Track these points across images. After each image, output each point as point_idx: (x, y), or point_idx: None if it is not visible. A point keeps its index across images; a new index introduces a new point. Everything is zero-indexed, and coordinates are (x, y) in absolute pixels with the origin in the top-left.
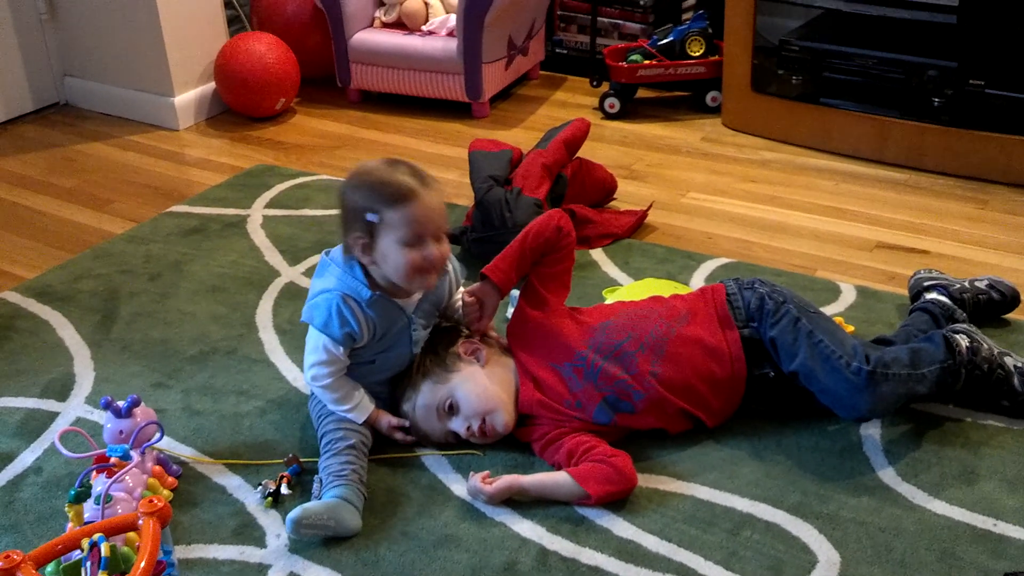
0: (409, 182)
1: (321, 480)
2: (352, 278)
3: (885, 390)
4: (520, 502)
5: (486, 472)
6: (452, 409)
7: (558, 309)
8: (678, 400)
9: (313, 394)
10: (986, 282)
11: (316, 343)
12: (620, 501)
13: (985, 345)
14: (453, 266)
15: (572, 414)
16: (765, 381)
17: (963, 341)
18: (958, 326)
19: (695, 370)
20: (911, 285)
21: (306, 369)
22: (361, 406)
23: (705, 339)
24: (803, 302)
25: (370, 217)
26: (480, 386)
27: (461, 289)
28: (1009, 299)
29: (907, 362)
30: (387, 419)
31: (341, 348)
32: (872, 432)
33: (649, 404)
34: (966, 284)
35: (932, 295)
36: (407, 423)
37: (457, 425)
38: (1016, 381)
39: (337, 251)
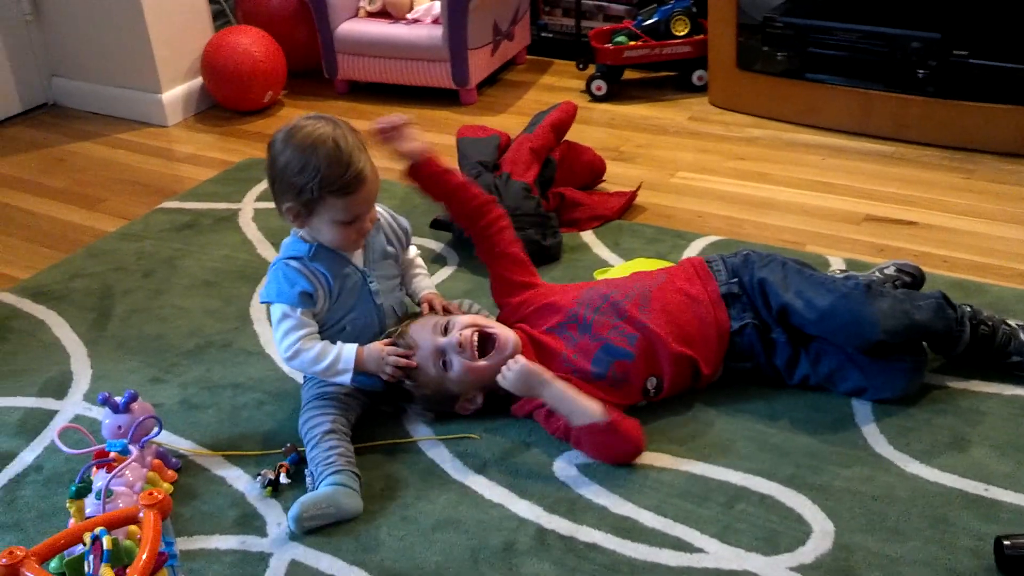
0: (359, 168)
1: (312, 473)
2: (290, 244)
3: (884, 305)
4: (518, 482)
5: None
6: (448, 328)
7: (538, 286)
8: (671, 340)
9: (304, 382)
10: (893, 267)
11: (276, 315)
12: (616, 479)
13: (983, 311)
14: (390, 216)
15: (571, 368)
16: (744, 336)
17: (964, 307)
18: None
19: (681, 312)
20: None
21: (279, 348)
22: (343, 352)
23: (686, 289)
24: (788, 257)
25: (311, 197)
26: (479, 317)
27: (413, 250)
28: (919, 279)
29: (903, 294)
30: (376, 349)
31: (299, 309)
32: (863, 402)
33: (644, 346)
34: (879, 274)
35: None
36: (399, 346)
37: (448, 341)
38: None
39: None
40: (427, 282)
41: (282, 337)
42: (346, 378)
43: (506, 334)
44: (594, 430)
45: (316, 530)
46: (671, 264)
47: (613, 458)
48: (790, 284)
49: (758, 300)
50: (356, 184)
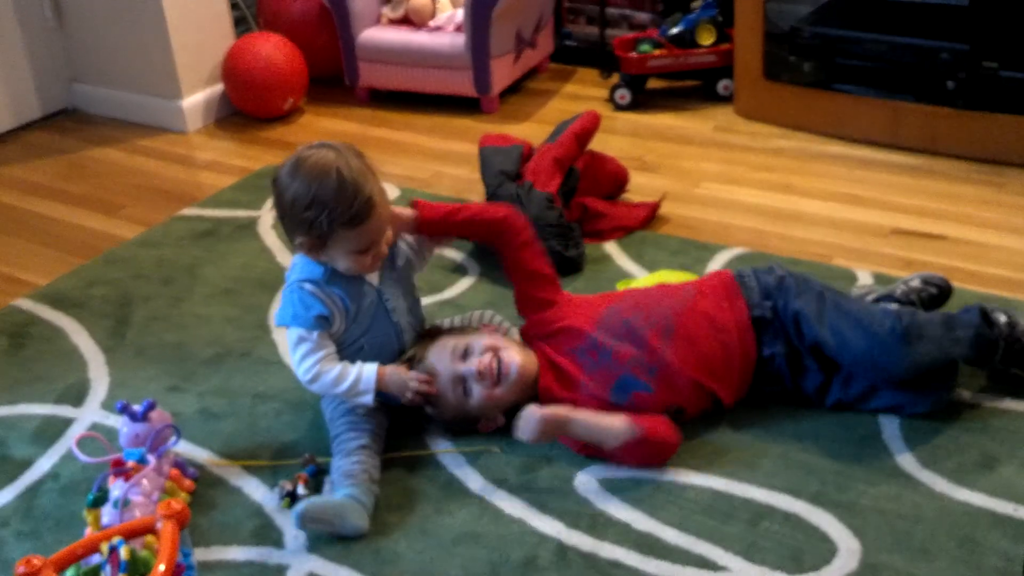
0: (367, 197)
1: (332, 481)
2: (303, 265)
3: (920, 349)
4: (539, 497)
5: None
6: (467, 353)
7: (561, 301)
8: (691, 371)
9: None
10: (918, 280)
11: (293, 339)
12: (638, 495)
13: (1022, 322)
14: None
15: (590, 395)
16: (774, 363)
17: (1000, 317)
18: (988, 305)
19: (705, 342)
20: None
21: (297, 371)
22: (364, 373)
23: (712, 314)
24: (825, 284)
25: (323, 231)
26: (493, 337)
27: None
28: (946, 291)
29: (941, 325)
30: (398, 372)
31: (316, 332)
32: (891, 419)
33: (663, 378)
34: (903, 286)
35: (883, 305)
36: (423, 375)
37: (468, 368)
38: None
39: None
40: None
41: (300, 361)
42: (368, 399)
43: (510, 360)
44: (629, 447)
45: (334, 542)
46: (696, 277)
47: (658, 462)
48: (825, 318)
49: (791, 329)
50: (365, 213)
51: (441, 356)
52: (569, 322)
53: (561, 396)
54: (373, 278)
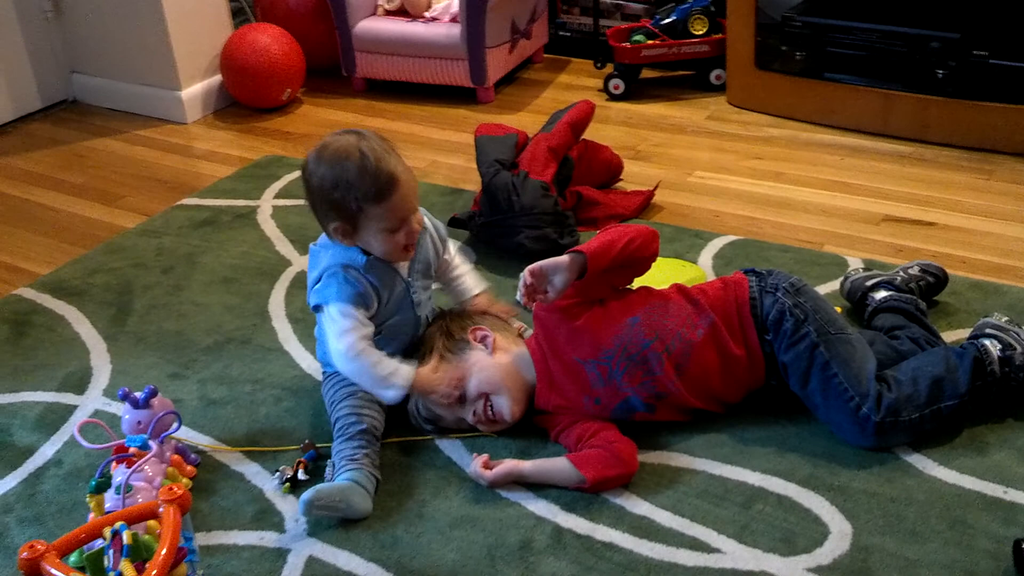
0: (390, 171)
1: (334, 464)
2: (344, 250)
3: (891, 438)
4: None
5: (486, 456)
6: (461, 398)
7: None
8: (697, 401)
9: (325, 379)
10: (917, 267)
11: (333, 316)
12: (634, 478)
13: (1018, 348)
14: (431, 223)
15: (591, 412)
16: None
17: (994, 350)
18: (988, 327)
19: (716, 375)
20: (850, 289)
21: (336, 349)
22: (402, 368)
23: (727, 348)
24: (825, 318)
25: (352, 210)
26: (485, 372)
27: (452, 247)
28: (943, 280)
29: (924, 400)
30: (428, 376)
31: (357, 311)
32: None
33: (670, 404)
34: (903, 274)
35: (882, 293)
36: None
37: (466, 412)
38: None
39: (323, 238)
40: (472, 281)
41: (343, 335)
42: (392, 395)
43: (501, 407)
44: (582, 488)
45: (334, 526)
46: (691, 266)
47: (613, 487)
48: (808, 380)
49: (780, 370)
50: (390, 187)
51: (439, 405)
52: (587, 330)
53: (556, 407)
54: (403, 271)
